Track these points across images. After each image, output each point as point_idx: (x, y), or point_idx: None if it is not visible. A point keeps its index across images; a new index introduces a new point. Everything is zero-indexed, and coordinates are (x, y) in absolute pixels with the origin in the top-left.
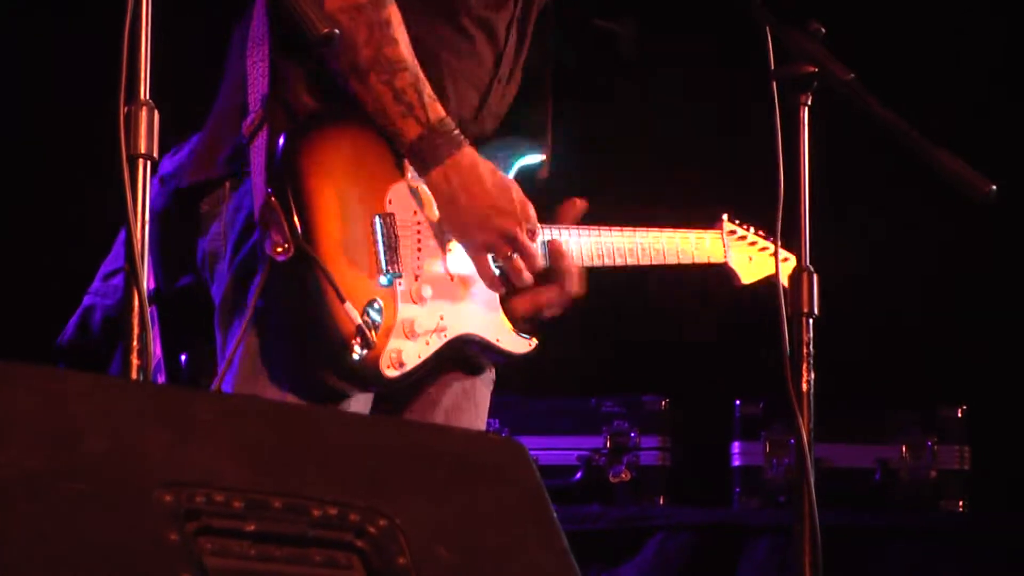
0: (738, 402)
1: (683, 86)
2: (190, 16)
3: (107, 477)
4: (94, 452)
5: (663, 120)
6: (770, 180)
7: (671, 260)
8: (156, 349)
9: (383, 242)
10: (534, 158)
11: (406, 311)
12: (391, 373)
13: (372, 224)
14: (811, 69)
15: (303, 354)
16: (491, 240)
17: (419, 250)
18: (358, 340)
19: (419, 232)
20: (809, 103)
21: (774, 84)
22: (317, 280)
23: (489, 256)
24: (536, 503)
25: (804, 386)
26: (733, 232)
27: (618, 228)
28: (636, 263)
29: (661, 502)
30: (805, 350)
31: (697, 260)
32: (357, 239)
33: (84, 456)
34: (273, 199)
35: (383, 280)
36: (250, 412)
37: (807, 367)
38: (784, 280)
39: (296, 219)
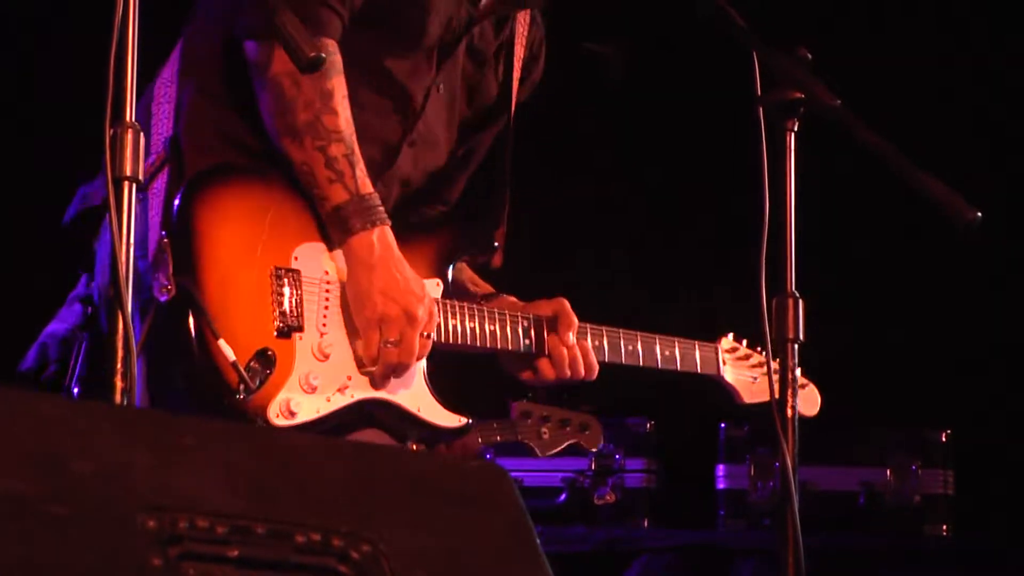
0: (723, 425)
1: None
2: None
3: (90, 501)
4: (77, 476)
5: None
6: (757, 204)
7: (669, 367)
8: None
9: (279, 293)
10: (483, 250)
11: (304, 365)
12: (280, 422)
13: (269, 276)
14: (798, 95)
15: (187, 395)
16: (390, 313)
17: (326, 308)
18: (235, 381)
19: (327, 292)
20: (796, 129)
21: (760, 110)
22: (196, 319)
23: (377, 334)
24: (518, 528)
25: (788, 412)
26: (734, 349)
27: (623, 331)
28: (637, 364)
29: (646, 524)
30: (790, 375)
31: (683, 368)
32: (253, 289)
33: (67, 480)
34: (165, 240)
35: (278, 331)
36: (234, 437)
37: (792, 392)
38: (767, 323)
39: (183, 261)
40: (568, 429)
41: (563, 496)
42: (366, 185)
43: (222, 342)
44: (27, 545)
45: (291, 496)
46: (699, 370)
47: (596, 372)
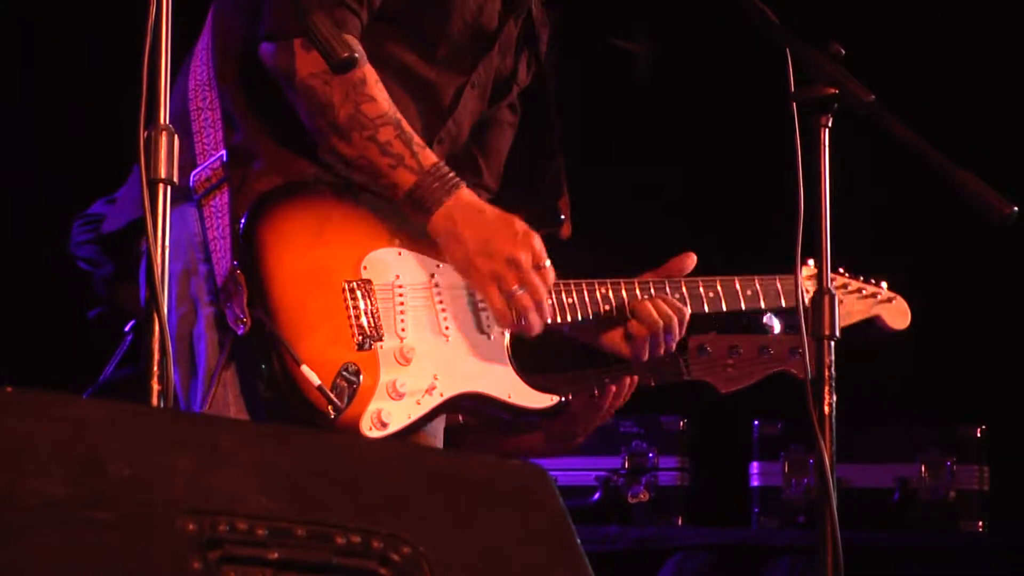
0: (756, 422)
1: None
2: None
3: (130, 505)
4: (117, 480)
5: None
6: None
7: (753, 305)
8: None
9: (354, 307)
10: (549, 224)
11: (389, 372)
12: (373, 434)
13: (342, 291)
14: (831, 91)
15: (274, 420)
16: (496, 267)
17: (402, 312)
18: (324, 404)
19: (401, 295)
20: (830, 124)
21: (794, 106)
22: (276, 349)
23: (496, 289)
24: (559, 528)
25: (826, 409)
26: (814, 276)
27: (700, 278)
28: (719, 310)
29: (679, 522)
30: (827, 373)
31: (767, 305)
32: (327, 307)
33: (107, 484)
34: (238, 272)
35: (359, 345)
36: (273, 439)
37: (829, 390)
38: (805, 304)
39: (256, 292)
40: (770, 354)
41: (597, 495)
42: (428, 157)
43: (305, 368)
44: (66, 549)
45: (331, 498)
46: (783, 304)
47: (687, 317)
